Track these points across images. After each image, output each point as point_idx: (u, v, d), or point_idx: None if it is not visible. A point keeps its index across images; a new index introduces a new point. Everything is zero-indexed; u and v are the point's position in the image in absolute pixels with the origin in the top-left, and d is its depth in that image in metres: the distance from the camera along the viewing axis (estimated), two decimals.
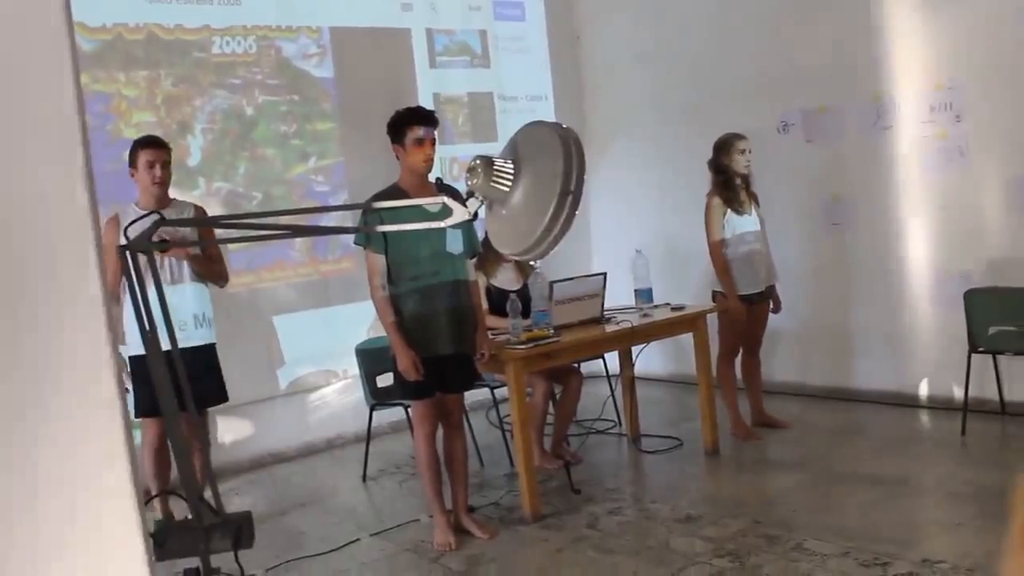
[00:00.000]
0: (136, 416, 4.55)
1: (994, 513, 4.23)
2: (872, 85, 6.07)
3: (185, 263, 4.67)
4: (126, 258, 1.77)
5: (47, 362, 1.49)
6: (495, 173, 1.65)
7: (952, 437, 5.38)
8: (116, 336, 1.53)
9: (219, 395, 4.88)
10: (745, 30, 6.76)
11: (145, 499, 1.73)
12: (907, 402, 6.10)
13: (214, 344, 4.82)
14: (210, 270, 4.81)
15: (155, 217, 4.25)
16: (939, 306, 5.90)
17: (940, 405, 5.92)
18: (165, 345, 1.97)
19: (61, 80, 1.50)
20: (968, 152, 5.68)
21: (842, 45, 6.20)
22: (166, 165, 4.64)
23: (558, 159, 1.62)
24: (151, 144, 4.67)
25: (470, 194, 1.69)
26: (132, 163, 4.62)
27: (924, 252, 5.99)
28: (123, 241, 3.89)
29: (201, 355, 4.69)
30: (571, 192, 1.60)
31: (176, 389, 4.26)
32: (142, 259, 1.83)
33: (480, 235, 4.47)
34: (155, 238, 1.81)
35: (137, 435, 5.18)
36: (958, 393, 5.56)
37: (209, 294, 4.83)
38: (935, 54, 5.79)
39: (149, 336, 1.80)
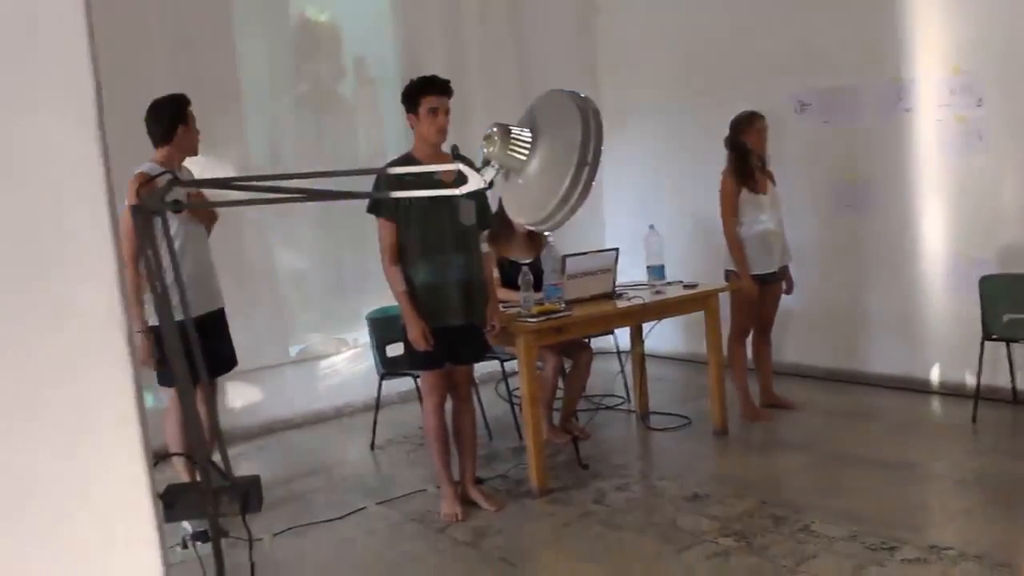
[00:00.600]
0: (162, 383, 4.57)
1: (1003, 501, 4.23)
2: (891, 67, 6.01)
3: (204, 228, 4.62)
4: (146, 219, 1.76)
5: (58, 323, 1.49)
6: (512, 141, 1.63)
7: (963, 424, 5.36)
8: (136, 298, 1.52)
9: (231, 361, 4.84)
10: (763, 7, 6.69)
11: (155, 461, 1.73)
12: (918, 387, 6.07)
13: (223, 308, 4.78)
14: (211, 224, 4.76)
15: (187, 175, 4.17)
16: (953, 292, 5.86)
17: (952, 391, 5.89)
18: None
19: (74, 35, 1.49)
20: (987, 137, 5.63)
21: (862, 25, 6.14)
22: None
23: (576, 129, 1.60)
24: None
25: (486, 162, 1.67)
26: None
27: (940, 237, 5.95)
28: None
29: (212, 320, 4.65)
30: (588, 163, 1.58)
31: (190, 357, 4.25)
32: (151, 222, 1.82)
33: (494, 205, 4.45)
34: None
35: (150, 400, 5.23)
36: (970, 380, 5.54)
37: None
38: (955, 37, 5.72)
39: (161, 301, 1.79)
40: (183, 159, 4.51)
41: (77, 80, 1.48)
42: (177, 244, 4.27)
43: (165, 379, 4.47)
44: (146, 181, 4.08)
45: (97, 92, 1.50)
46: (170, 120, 4.44)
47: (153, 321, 4.25)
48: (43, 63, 1.47)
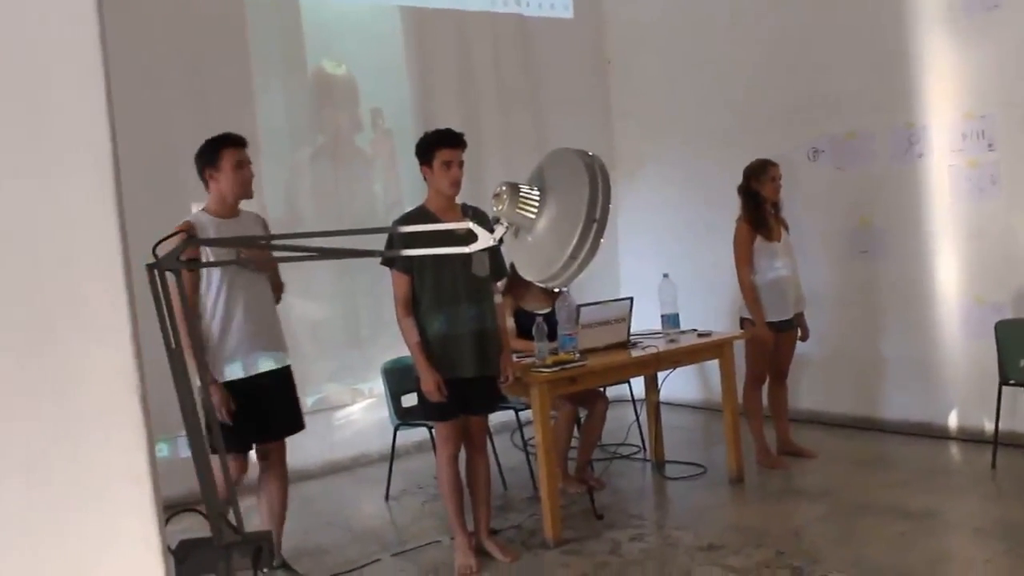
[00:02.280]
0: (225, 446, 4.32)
1: None
2: (904, 113, 6.05)
3: (265, 277, 4.29)
4: (155, 276, 1.78)
5: (72, 379, 1.51)
6: (521, 200, 1.65)
7: (982, 471, 5.31)
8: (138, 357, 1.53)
9: (292, 424, 4.45)
10: (776, 56, 6.76)
11: (168, 516, 1.74)
12: (936, 433, 6.03)
13: (289, 366, 4.43)
14: (278, 282, 4.46)
15: (234, 228, 4.12)
16: (969, 336, 5.84)
17: (970, 437, 5.85)
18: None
19: (91, 94, 1.52)
20: (1000, 181, 5.64)
21: (873, 72, 6.18)
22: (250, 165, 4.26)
23: (584, 186, 1.62)
24: (239, 142, 4.22)
25: (496, 220, 1.69)
26: (211, 163, 4.17)
27: (955, 281, 5.94)
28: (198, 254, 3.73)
29: (274, 379, 4.32)
30: (596, 220, 1.60)
31: (253, 418, 4.09)
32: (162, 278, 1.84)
33: (507, 256, 4.46)
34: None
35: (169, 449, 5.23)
36: (988, 426, 5.50)
37: None
38: (967, 82, 5.75)
39: (175, 356, 1.81)
40: (234, 202, 4.22)
41: (95, 146, 1.51)
42: (223, 297, 4.06)
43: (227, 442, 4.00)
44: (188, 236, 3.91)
45: (114, 158, 1.53)
46: (202, 164, 4.21)
47: (219, 376, 4.08)
48: (60, 128, 1.50)
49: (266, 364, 4.25)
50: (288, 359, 4.41)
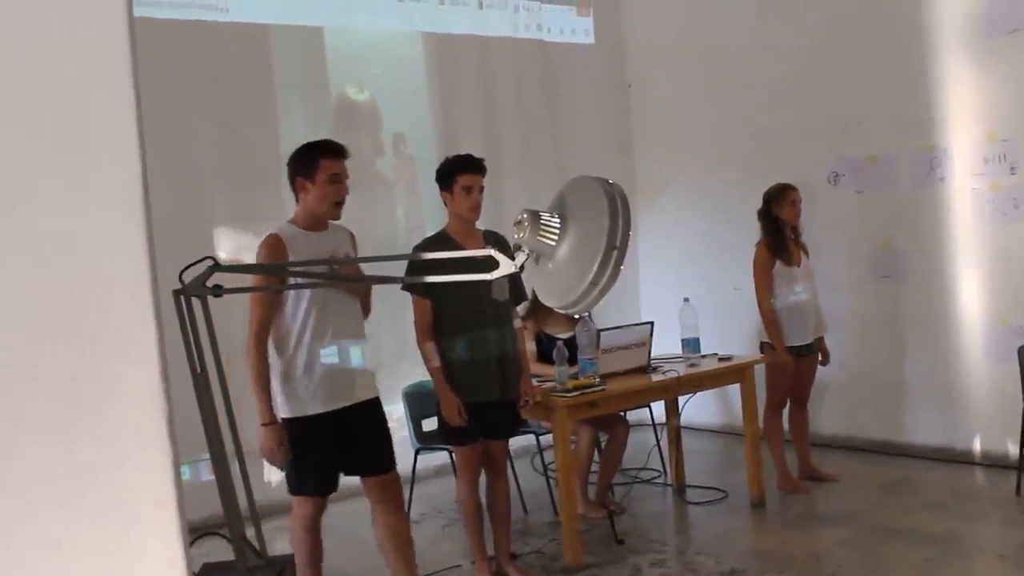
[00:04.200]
0: (291, 492, 3.93)
1: None
2: (925, 136, 6.04)
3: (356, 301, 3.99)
4: (181, 302, 1.81)
5: (100, 406, 1.53)
6: (542, 227, 1.68)
7: (1006, 496, 5.27)
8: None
9: (383, 463, 4.03)
10: (796, 79, 6.77)
11: (192, 539, 1.76)
12: (959, 458, 5.99)
13: (377, 398, 4.07)
14: (367, 306, 4.15)
15: (323, 242, 3.78)
16: (992, 360, 5.81)
17: (994, 462, 5.80)
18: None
19: (124, 126, 1.55)
20: (1022, 205, 5.62)
21: (893, 95, 6.19)
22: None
23: (604, 214, 1.64)
24: (339, 153, 3.85)
25: (517, 247, 1.71)
26: (305, 172, 3.81)
27: (977, 305, 5.91)
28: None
29: (363, 412, 3.96)
30: (616, 247, 1.62)
31: (342, 453, 3.85)
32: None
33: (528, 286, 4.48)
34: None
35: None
36: (1013, 450, 5.46)
37: None
38: (988, 105, 5.75)
39: (200, 381, 1.83)
40: (324, 216, 3.87)
41: (126, 171, 1.54)
42: (312, 321, 3.74)
43: (296, 486, 3.90)
44: (272, 248, 3.72)
45: (144, 182, 1.56)
46: (295, 172, 3.85)
47: (284, 413, 3.77)
48: (93, 154, 1.53)
49: (356, 395, 3.89)
50: (377, 390, 4.06)
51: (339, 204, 3.84)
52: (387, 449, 4.01)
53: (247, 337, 3.72)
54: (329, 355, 3.80)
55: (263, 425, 3.72)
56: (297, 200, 3.89)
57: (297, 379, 3.77)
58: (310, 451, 3.78)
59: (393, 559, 4.07)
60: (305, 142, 3.91)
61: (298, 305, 3.74)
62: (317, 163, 3.77)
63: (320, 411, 3.79)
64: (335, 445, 3.82)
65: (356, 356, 3.93)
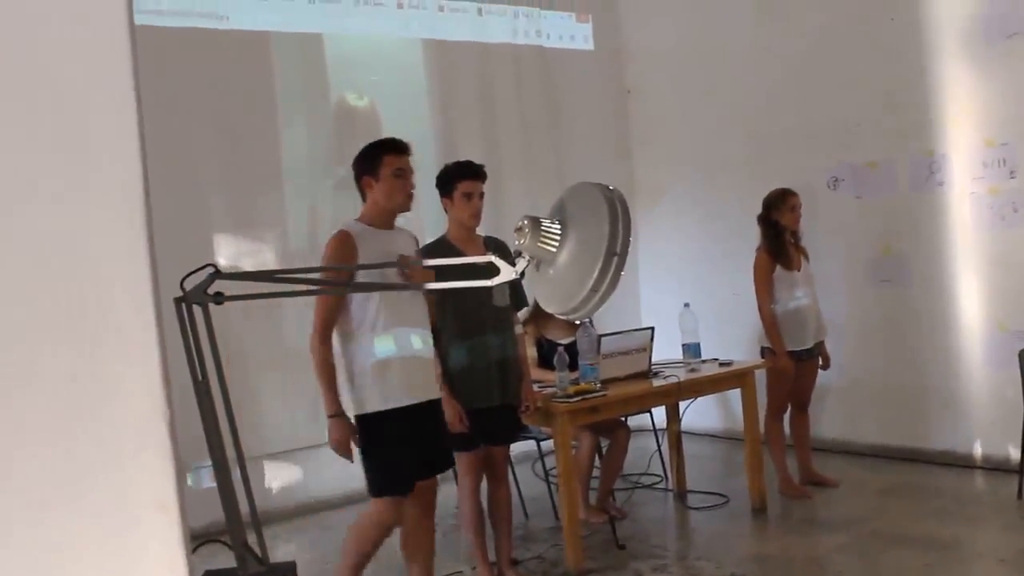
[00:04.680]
0: (372, 494, 3.90)
1: None
2: (924, 141, 6.05)
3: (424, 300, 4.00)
4: (182, 310, 1.81)
5: (100, 410, 1.53)
6: (542, 233, 1.68)
7: (1007, 500, 5.27)
8: (166, 386, 1.56)
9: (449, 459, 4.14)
10: (795, 84, 6.78)
11: (194, 546, 1.76)
12: (960, 463, 5.98)
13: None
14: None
15: (389, 240, 3.79)
16: (993, 365, 5.81)
17: (995, 467, 5.80)
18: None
19: (125, 132, 1.55)
20: (1021, 209, 5.62)
21: (892, 100, 6.19)
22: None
23: (604, 220, 1.64)
24: (402, 149, 3.90)
25: (518, 253, 1.72)
26: (369, 170, 3.88)
27: (977, 310, 5.91)
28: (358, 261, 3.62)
29: (432, 408, 4.01)
30: (617, 253, 1.63)
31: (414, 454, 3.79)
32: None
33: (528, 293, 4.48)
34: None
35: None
36: (1014, 454, 5.46)
37: None
38: (987, 110, 5.76)
39: (201, 388, 1.84)
40: (390, 215, 3.92)
41: (127, 177, 1.54)
42: (381, 320, 3.75)
43: (375, 487, 3.87)
44: (341, 243, 3.75)
45: (145, 183, 1.56)
46: (360, 171, 3.91)
47: (358, 410, 3.79)
48: (94, 155, 1.54)
49: (424, 393, 3.91)
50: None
51: (409, 197, 3.88)
52: (448, 450, 4.09)
53: (311, 333, 3.76)
54: (401, 350, 3.81)
55: (330, 417, 3.75)
56: (364, 199, 3.94)
57: (365, 375, 3.78)
58: (392, 446, 3.78)
59: (421, 563, 4.08)
60: (369, 142, 3.99)
61: (367, 305, 3.74)
62: (380, 159, 3.84)
63: (397, 406, 3.78)
64: (410, 442, 3.80)
65: (426, 350, 3.95)
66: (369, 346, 3.76)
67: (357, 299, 3.74)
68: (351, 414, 3.79)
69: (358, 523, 3.98)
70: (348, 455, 3.79)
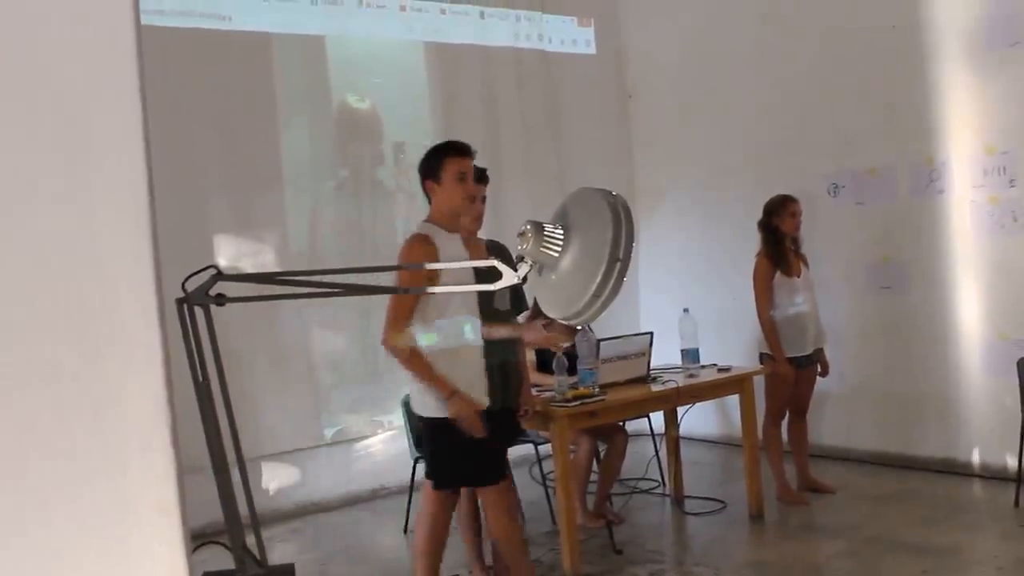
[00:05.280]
0: (436, 486, 4.03)
1: None
2: (924, 148, 6.05)
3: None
4: (184, 311, 1.81)
5: (104, 412, 1.53)
6: (545, 238, 1.68)
7: (1005, 508, 5.27)
8: (169, 389, 1.56)
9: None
10: (796, 90, 6.79)
11: (192, 547, 1.76)
12: (958, 470, 5.98)
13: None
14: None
15: (459, 243, 3.88)
16: (992, 373, 5.81)
17: (992, 475, 5.80)
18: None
19: (130, 136, 1.55)
20: (1021, 217, 5.63)
21: (893, 107, 6.20)
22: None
23: (607, 226, 1.64)
24: (464, 152, 3.90)
25: (520, 258, 1.72)
26: (432, 174, 3.90)
27: (976, 318, 5.91)
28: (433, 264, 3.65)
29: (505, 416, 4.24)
30: (620, 259, 1.63)
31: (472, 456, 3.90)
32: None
33: (529, 297, 4.47)
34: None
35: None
36: (1011, 463, 5.45)
37: None
38: (988, 118, 5.76)
39: (202, 390, 1.84)
40: (456, 213, 3.92)
41: (132, 177, 1.54)
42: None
43: (434, 478, 4.02)
44: (421, 245, 3.80)
45: (149, 184, 1.56)
46: (422, 178, 3.96)
47: (427, 412, 3.90)
48: (96, 155, 1.54)
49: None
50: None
51: (471, 200, 3.93)
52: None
53: (384, 334, 3.82)
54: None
55: (448, 398, 3.77)
56: (430, 202, 3.99)
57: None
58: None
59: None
60: (432, 145, 4.03)
61: (445, 310, 3.80)
62: (442, 162, 3.85)
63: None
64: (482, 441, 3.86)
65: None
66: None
67: (436, 303, 3.79)
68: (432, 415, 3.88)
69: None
70: (476, 428, 3.81)
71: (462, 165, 3.85)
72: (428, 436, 4.00)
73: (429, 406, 3.87)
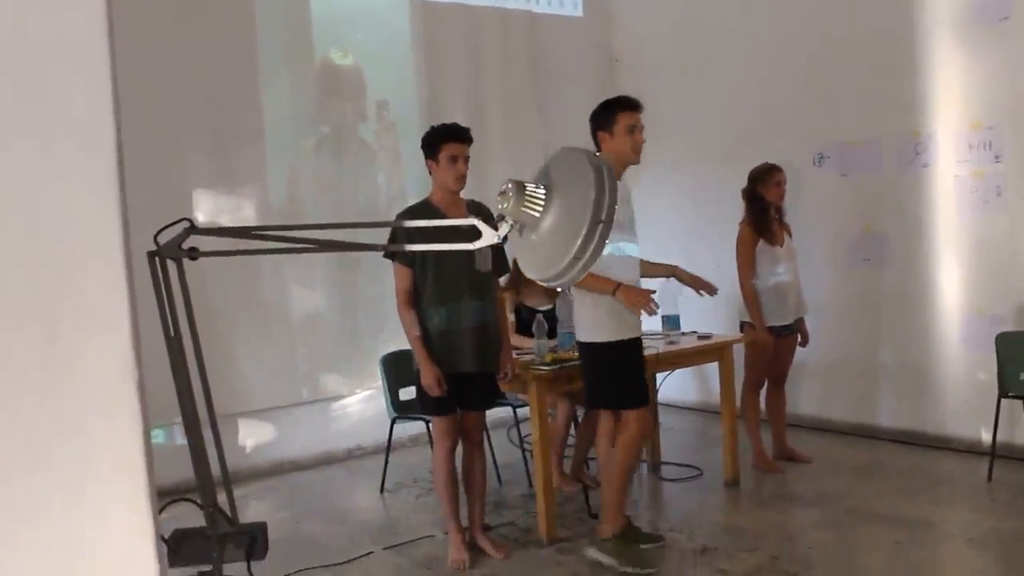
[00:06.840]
0: (640, 404, 4.40)
1: (1018, 562, 4.17)
2: (910, 121, 6.02)
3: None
4: (156, 264, 1.77)
5: (71, 367, 1.50)
6: (527, 198, 1.64)
7: (978, 482, 5.30)
8: (136, 346, 1.52)
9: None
10: (784, 60, 6.74)
11: (161, 506, 1.73)
12: (933, 443, 6.02)
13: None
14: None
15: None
16: (969, 348, 5.83)
17: (967, 448, 5.83)
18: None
19: (97, 83, 1.50)
20: (1005, 193, 5.62)
21: (880, 79, 6.16)
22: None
23: (590, 187, 1.60)
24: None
25: (500, 217, 1.68)
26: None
27: (956, 292, 5.92)
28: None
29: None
30: (602, 220, 1.59)
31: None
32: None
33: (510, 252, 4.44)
34: None
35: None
36: (986, 437, 5.49)
37: None
38: (975, 92, 5.73)
39: (173, 344, 1.80)
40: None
41: (99, 135, 1.50)
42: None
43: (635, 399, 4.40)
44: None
45: (118, 146, 1.52)
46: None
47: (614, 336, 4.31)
48: (64, 118, 1.49)
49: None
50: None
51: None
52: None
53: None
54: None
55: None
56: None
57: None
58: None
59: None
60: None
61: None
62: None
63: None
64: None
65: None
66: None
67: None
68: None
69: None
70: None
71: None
72: (619, 361, 4.34)
73: (620, 329, 4.31)
